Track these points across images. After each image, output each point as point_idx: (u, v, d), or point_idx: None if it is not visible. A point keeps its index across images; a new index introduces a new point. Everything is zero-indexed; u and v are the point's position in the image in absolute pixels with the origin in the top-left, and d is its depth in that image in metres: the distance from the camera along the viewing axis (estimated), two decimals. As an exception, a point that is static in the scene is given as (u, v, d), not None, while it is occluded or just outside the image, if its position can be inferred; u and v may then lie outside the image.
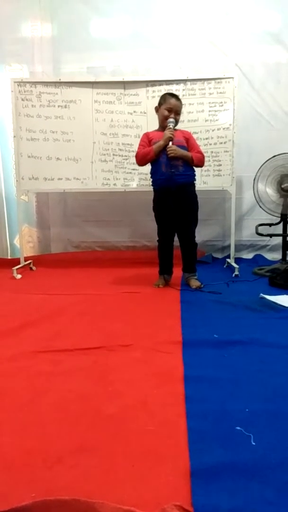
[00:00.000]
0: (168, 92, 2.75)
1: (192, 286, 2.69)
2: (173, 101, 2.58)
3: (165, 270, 2.80)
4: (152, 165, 2.68)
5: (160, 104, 2.64)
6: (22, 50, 3.71)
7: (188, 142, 2.66)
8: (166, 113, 2.58)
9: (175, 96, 2.64)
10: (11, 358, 1.60)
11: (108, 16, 3.65)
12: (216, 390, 1.32)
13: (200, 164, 2.69)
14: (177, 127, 2.65)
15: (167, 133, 2.54)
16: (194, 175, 2.70)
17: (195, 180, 2.71)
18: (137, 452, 1.01)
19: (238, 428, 1.09)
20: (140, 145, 2.70)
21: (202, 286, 2.67)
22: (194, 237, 2.75)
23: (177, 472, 0.93)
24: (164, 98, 2.63)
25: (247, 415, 1.16)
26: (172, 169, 2.56)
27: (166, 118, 2.58)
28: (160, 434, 1.08)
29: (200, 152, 2.68)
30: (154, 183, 2.71)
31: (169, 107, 2.57)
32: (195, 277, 2.78)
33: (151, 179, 2.73)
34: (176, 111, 2.58)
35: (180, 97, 2.69)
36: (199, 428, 1.10)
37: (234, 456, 0.99)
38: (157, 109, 2.67)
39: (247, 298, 2.40)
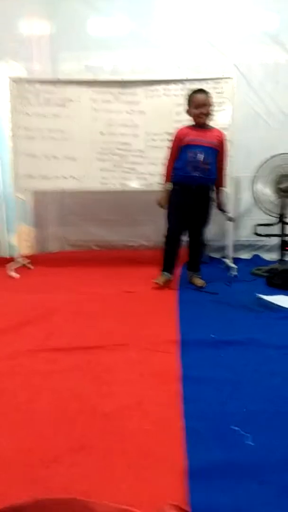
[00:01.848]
0: (193, 90, 2.69)
1: (198, 284, 2.72)
2: (198, 96, 2.57)
3: (169, 268, 2.77)
4: (179, 161, 2.64)
5: (189, 105, 2.63)
6: (20, 48, 3.68)
7: (221, 146, 2.67)
8: (196, 111, 2.58)
9: (199, 91, 2.60)
10: (8, 357, 1.59)
11: (107, 15, 3.63)
12: (214, 390, 1.31)
13: None
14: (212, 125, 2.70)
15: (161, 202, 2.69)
16: (215, 179, 2.71)
17: (214, 184, 2.73)
18: (134, 451, 1.01)
19: (234, 427, 1.09)
20: (172, 147, 2.67)
21: (205, 285, 2.71)
22: (204, 237, 2.81)
23: (174, 472, 0.93)
24: (191, 97, 2.62)
25: (244, 415, 1.16)
26: (197, 170, 2.58)
27: (198, 116, 2.58)
28: (157, 433, 1.08)
29: (224, 168, 2.76)
30: (175, 178, 2.67)
31: (197, 104, 2.57)
32: (200, 276, 2.81)
33: (173, 174, 2.68)
34: (204, 104, 2.56)
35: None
36: (196, 428, 1.10)
37: (231, 455, 0.99)
38: (188, 111, 2.66)
39: (245, 298, 2.40)
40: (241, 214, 3.75)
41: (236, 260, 3.45)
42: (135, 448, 1.02)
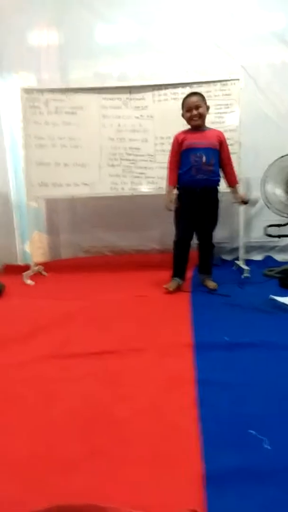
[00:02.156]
0: (186, 95, 2.73)
1: (210, 286, 2.72)
2: (188, 100, 2.60)
3: (179, 273, 2.78)
4: (182, 166, 2.66)
5: (182, 109, 2.66)
6: (30, 58, 3.75)
7: (221, 145, 2.67)
8: (188, 114, 2.61)
9: (190, 94, 2.64)
10: (23, 364, 1.62)
11: (113, 23, 3.67)
12: (229, 393, 1.32)
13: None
14: (209, 126, 2.72)
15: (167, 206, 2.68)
16: (219, 180, 2.71)
17: (219, 185, 2.72)
18: (150, 456, 1.02)
19: (251, 431, 1.09)
20: (171, 152, 2.71)
21: (217, 287, 2.72)
22: (212, 239, 2.79)
23: (191, 477, 0.93)
24: (183, 102, 2.66)
25: (260, 419, 1.16)
26: (202, 173, 2.59)
27: (190, 118, 2.60)
28: (173, 438, 1.09)
29: (231, 163, 2.76)
30: (180, 183, 2.68)
31: (188, 107, 2.60)
32: (211, 278, 2.81)
33: (179, 179, 2.70)
34: (195, 107, 2.57)
35: (206, 99, 2.69)
36: (212, 432, 1.10)
37: (248, 460, 0.99)
38: (182, 115, 2.68)
39: (258, 300, 2.39)
40: (252, 215, 3.73)
41: (248, 262, 3.44)
42: (151, 453, 1.03)
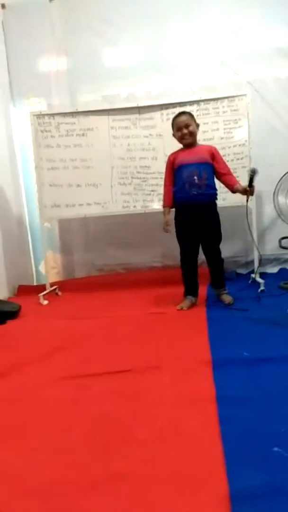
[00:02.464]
0: (174, 115, 2.75)
1: (225, 301, 2.69)
2: (177, 119, 2.63)
3: (191, 290, 2.76)
4: (176, 184, 2.69)
5: (173, 129, 2.69)
6: (39, 84, 3.87)
7: (214, 158, 2.67)
8: (179, 134, 2.63)
9: (179, 114, 2.66)
10: (42, 385, 1.61)
11: (120, 46, 3.77)
12: (250, 410, 1.29)
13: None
14: (200, 142, 2.74)
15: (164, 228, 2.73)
16: (216, 194, 2.70)
17: (216, 198, 2.71)
18: (172, 477, 0.99)
19: (276, 449, 1.06)
20: (165, 172, 2.76)
21: (233, 301, 2.68)
22: (220, 253, 2.74)
23: (216, 497, 0.91)
24: (172, 123, 2.68)
25: (284, 435, 1.13)
26: (195, 188, 2.58)
27: (182, 137, 2.63)
28: (195, 457, 1.06)
29: (230, 172, 2.71)
30: (176, 200, 2.70)
31: (178, 127, 2.62)
32: (226, 291, 2.78)
33: (174, 197, 2.72)
34: (185, 126, 2.59)
35: (195, 117, 2.72)
36: (236, 450, 1.07)
37: (274, 478, 0.96)
38: (173, 135, 2.71)
39: (275, 313, 2.36)
40: (265, 228, 3.72)
41: (262, 275, 3.41)
42: (173, 473, 1.01)
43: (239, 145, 3.29)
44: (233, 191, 2.69)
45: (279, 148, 3.59)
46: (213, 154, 2.67)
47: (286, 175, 3.07)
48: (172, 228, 2.73)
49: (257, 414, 1.26)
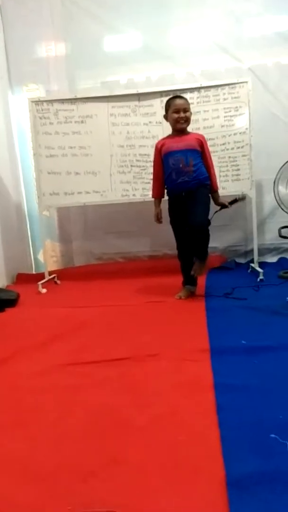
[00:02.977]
0: (170, 97, 2.71)
1: (193, 271, 2.61)
2: (177, 101, 2.56)
3: (189, 280, 2.74)
4: (165, 172, 2.64)
5: (166, 110, 2.63)
6: (38, 70, 3.82)
7: (202, 147, 2.62)
8: (175, 115, 2.56)
9: (178, 97, 2.62)
10: (40, 373, 1.62)
11: (119, 32, 3.71)
12: (248, 398, 1.29)
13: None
14: (190, 130, 2.67)
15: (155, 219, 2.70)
16: (207, 177, 2.60)
17: (208, 183, 2.61)
18: (170, 463, 1.00)
19: (273, 435, 1.07)
20: (154, 160, 2.73)
21: (197, 272, 2.62)
22: (206, 228, 2.55)
23: (213, 483, 0.91)
24: (169, 103, 2.62)
25: (281, 423, 1.13)
26: (182, 175, 2.53)
27: (177, 120, 2.56)
28: (193, 444, 1.07)
29: (212, 168, 2.66)
30: (167, 191, 2.68)
31: (176, 109, 2.55)
32: (203, 264, 2.63)
33: (166, 187, 2.69)
34: (184, 109, 2.54)
35: (195, 104, 2.70)
36: (233, 437, 1.08)
37: (270, 464, 0.96)
38: (165, 117, 2.66)
39: (274, 302, 2.36)
40: (265, 217, 3.70)
41: (262, 264, 3.40)
42: (171, 459, 1.01)
43: (240, 133, 3.25)
44: (212, 195, 2.66)
45: (280, 136, 3.56)
46: (202, 143, 2.62)
47: (286, 164, 3.04)
48: (167, 218, 2.68)
49: (255, 402, 1.26)
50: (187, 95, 3.25)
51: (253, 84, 3.27)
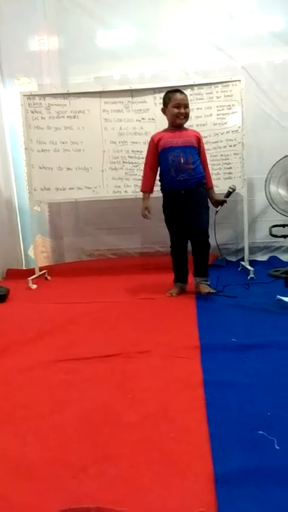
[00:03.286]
0: (170, 90, 2.64)
1: (204, 291, 2.55)
2: (178, 96, 2.50)
3: (180, 278, 2.73)
4: (161, 168, 2.60)
5: (165, 103, 2.57)
6: (30, 64, 3.78)
7: (199, 143, 2.59)
8: (175, 110, 2.49)
9: (179, 91, 2.55)
10: (30, 368, 1.61)
11: (113, 27, 3.69)
12: (237, 395, 1.30)
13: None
14: (187, 126, 2.63)
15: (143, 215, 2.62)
16: (203, 176, 2.60)
17: (204, 180, 2.61)
18: (160, 459, 1.00)
19: (260, 432, 1.08)
20: (147, 153, 2.66)
21: (214, 291, 2.54)
22: (208, 236, 2.58)
23: (201, 479, 0.92)
24: (169, 96, 2.54)
25: (269, 419, 1.15)
26: (181, 173, 2.50)
27: (177, 116, 2.50)
28: (182, 440, 1.08)
29: (207, 166, 2.66)
30: (162, 187, 2.62)
31: (177, 103, 2.49)
32: (207, 283, 2.62)
33: (160, 183, 2.64)
34: (184, 105, 2.50)
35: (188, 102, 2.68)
36: (221, 434, 1.09)
37: (258, 460, 0.97)
38: (163, 110, 2.60)
39: (264, 300, 2.37)
40: (256, 216, 3.73)
41: (252, 263, 3.43)
42: (161, 456, 1.02)
43: (232, 131, 3.27)
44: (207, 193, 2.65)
45: (272, 135, 3.58)
46: (199, 140, 2.60)
47: (277, 163, 3.06)
48: (159, 215, 2.67)
49: (243, 399, 1.27)
50: (180, 93, 3.26)
51: (246, 83, 3.29)
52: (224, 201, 2.67)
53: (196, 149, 2.56)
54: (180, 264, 2.71)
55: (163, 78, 3.59)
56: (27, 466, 1.01)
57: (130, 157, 3.38)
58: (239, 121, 3.24)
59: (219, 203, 2.66)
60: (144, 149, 3.36)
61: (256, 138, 3.45)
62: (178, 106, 2.49)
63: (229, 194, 2.68)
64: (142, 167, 3.33)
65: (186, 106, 2.51)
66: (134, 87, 3.35)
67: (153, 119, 3.33)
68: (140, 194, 3.35)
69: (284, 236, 3.19)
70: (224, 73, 3.45)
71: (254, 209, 3.69)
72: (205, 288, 2.57)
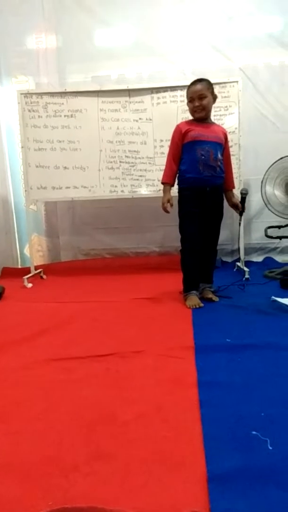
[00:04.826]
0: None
1: (206, 296, 2.49)
2: (191, 88, 2.33)
3: (195, 284, 2.49)
4: (186, 161, 2.38)
5: (187, 97, 2.42)
6: (28, 62, 3.77)
7: (226, 142, 2.45)
8: (190, 105, 2.35)
9: (195, 82, 2.34)
10: (25, 367, 1.61)
11: (111, 26, 3.69)
12: (231, 395, 1.31)
13: None
14: (214, 121, 2.53)
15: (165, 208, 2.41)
16: (224, 177, 2.47)
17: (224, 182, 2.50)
18: (153, 458, 1.01)
19: (254, 432, 1.08)
20: (172, 142, 2.43)
21: (217, 300, 2.47)
22: (217, 244, 2.55)
23: (194, 478, 0.92)
24: (187, 90, 2.38)
25: (262, 420, 1.15)
26: (209, 169, 2.34)
27: (194, 110, 2.34)
28: (176, 440, 1.08)
29: (231, 166, 2.55)
30: (185, 182, 2.40)
31: (190, 97, 2.33)
32: (211, 289, 2.56)
33: (181, 177, 2.43)
34: (198, 97, 2.29)
35: (184, 103, 2.67)
36: (215, 433, 1.09)
37: (251, 460, 0.98)
38: (188, 105, 2.43)
39: (259, 301, 2.38)
40: (252, 217, 3.74)
41: (248, 263, 3.44)
42: (154, 455, 1.02)
43: (229, 132, 3.25)
44: (226, 194, 2.53)
45: (269, 136, 3.59)
46: (226, 138, 2.45)
47: (274, 165, 3.07)
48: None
49: (237, 399, 1.28)
50: (177, 93, 3.27)
51: (243, 84, 3.29)
52: (243, 210, 2.61)
53: (222, 146, 2.41)
54: (195, 271, 2.49)
55: (160, 78, 3.59)
56: (18, 464, 1.01)
57: (127, 156, 3.38)
58: (236, 122, 3.25)
59: (237, 208, 2.57)
60: (141, 149, 3.38)
61: (253, 140, 3.46)
62: (192, 100, 2.33)
63: (243, 200, 2.60)
64: (139, 167, 3.37)
65: (200, 97, 2.29)
66: (131, 87, 3.35)
67: (150, 119, 3.33)
68: (137, 194, 3.38)
69: (280, 237, 3.21)
70: (222, 74, 3.45)
71: (250, 210, 3.69)
72: (208, 294, 2.52)
